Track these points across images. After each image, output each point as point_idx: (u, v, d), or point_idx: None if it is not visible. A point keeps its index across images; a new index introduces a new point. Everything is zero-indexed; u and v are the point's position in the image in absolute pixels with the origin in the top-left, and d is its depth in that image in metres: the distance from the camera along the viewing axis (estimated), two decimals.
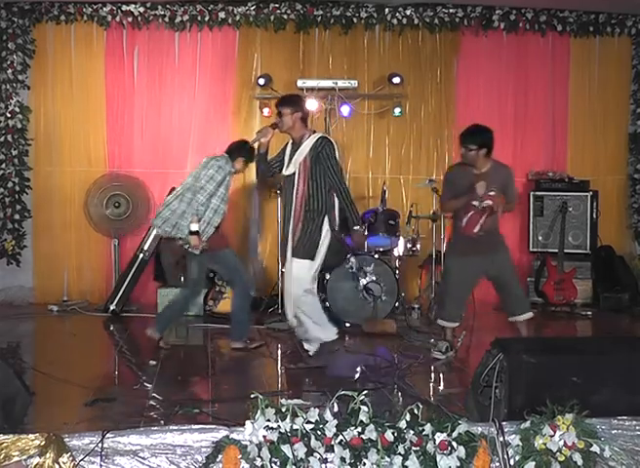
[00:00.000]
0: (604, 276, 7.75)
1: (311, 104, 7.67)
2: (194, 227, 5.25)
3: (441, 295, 5.80)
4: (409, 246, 7.03)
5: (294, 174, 5.02)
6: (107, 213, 7.55)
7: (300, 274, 4.97)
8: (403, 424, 2.95)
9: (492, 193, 5.09)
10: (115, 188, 7.59)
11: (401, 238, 7.00)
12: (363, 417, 2.93)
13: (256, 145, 5.26)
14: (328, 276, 6.50)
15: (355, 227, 5.07)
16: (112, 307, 7.16)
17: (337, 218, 5.09)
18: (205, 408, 3.99)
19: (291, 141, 5.17)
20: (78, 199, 7.68)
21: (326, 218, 5.00)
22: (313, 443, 2.85)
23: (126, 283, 7.25)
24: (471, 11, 7.98)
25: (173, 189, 7.34)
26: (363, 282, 6.55)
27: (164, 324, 5.69)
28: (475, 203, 5.11)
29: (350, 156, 7.96)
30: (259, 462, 2.82)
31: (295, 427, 2.86)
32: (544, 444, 2.89)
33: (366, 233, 6.64)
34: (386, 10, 7.90)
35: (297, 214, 4.97)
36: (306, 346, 5.21)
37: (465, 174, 5.23)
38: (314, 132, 5.15)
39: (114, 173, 7.72)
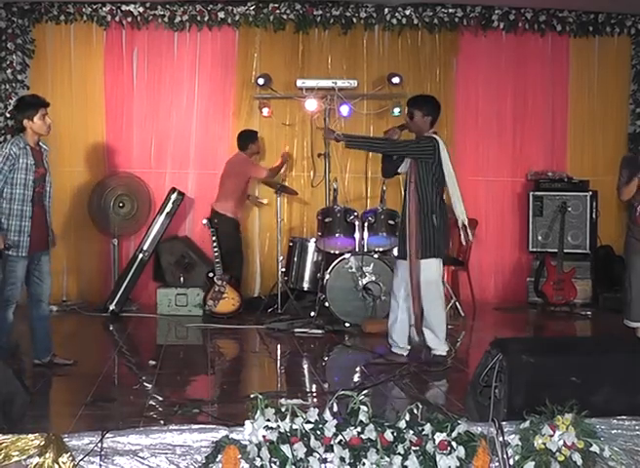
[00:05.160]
0: (603, 276, 7.74)
1: (311, 104, 7.69)
2: None
3: (624, 294, 5.46)
4: None
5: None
6: (112, 212, 7.57)
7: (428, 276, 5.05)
8: (402, 424, 2.95)
9: None
10: (121, 188, 7.61)
11: None
12: (362, 417, 2.93)
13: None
14: (327, 276, 6.50)
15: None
16: (112, 307, 7.16)
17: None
18: (205, 408, 3.99)
19: None
20: (77, 199, 7.67)
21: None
22: (313, 443, 2.85)
23: (125, 283, 7.24)
24: (470, 11, 7.99)
25: (173, 189, 7.40)
26: (362, 282, 6.55)
27: None
28: None
29: (349, 156, 7.95)
30: (258, 462, 2.82)
31: (294, 427, 2.86)
32: (544, 444, 2.89)
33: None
34: (386, 10, 7.90)
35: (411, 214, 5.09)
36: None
37: None
38: (435, 133, 5.20)
39: (118, 172, 7.75)
